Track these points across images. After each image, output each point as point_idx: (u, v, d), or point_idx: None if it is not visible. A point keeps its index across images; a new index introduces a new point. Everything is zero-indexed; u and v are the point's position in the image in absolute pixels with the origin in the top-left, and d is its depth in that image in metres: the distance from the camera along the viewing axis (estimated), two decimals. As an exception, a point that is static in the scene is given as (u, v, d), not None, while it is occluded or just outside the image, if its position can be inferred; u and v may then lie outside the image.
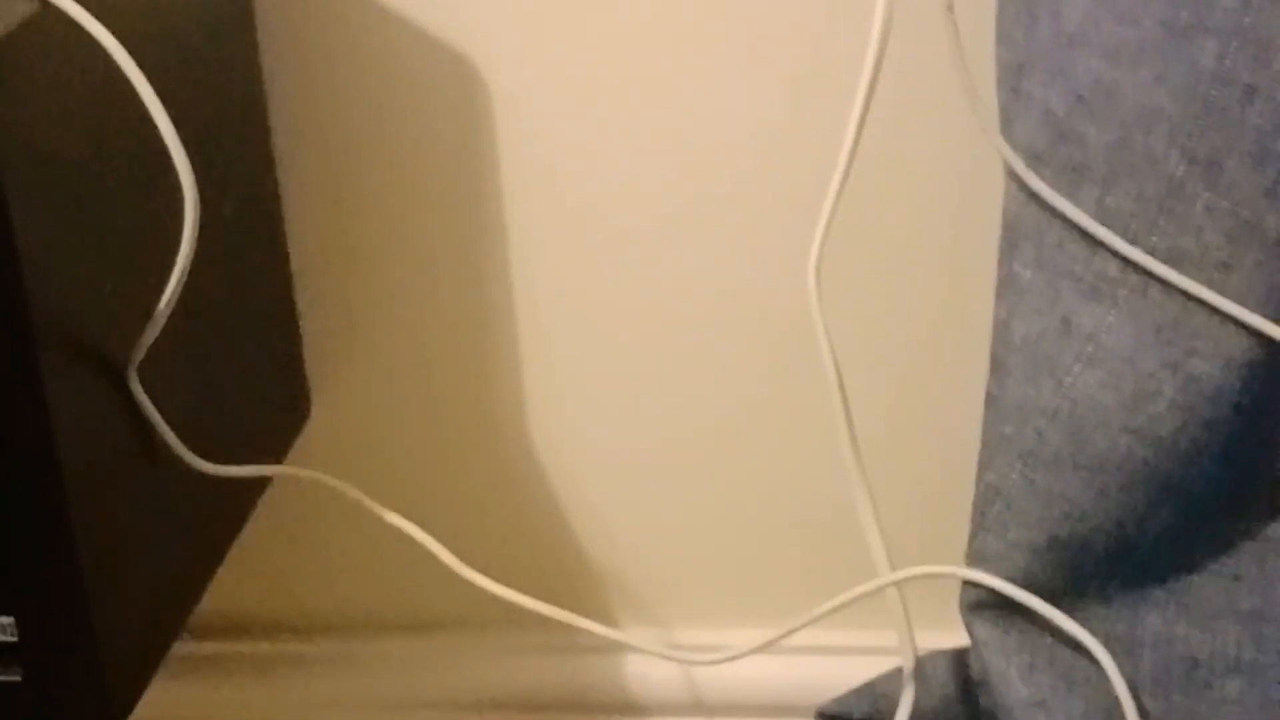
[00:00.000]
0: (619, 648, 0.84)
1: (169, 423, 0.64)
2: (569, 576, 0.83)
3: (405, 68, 0.74)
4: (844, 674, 0.79)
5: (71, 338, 0.58)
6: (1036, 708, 0.65)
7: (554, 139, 0.75)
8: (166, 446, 0.65)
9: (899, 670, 0.74)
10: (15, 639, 0.61)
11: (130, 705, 0.64)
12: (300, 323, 0.80)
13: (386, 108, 0.75)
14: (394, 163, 0.76)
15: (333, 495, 0.74)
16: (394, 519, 0.73)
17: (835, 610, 0.72)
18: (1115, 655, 0.66)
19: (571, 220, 0.77)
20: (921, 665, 0.73)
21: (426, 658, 0.85)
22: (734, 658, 0.76)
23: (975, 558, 0.67)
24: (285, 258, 0.78)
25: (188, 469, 0.66)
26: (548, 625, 0.82)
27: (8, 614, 0.60)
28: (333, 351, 0.80)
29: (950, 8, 0.64)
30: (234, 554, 0.74)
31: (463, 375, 0.80)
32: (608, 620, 0.82)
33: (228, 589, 0.78)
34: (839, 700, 0.78)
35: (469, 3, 0.72)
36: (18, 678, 0.61)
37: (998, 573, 0.66)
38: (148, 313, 0.62)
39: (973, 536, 0.68)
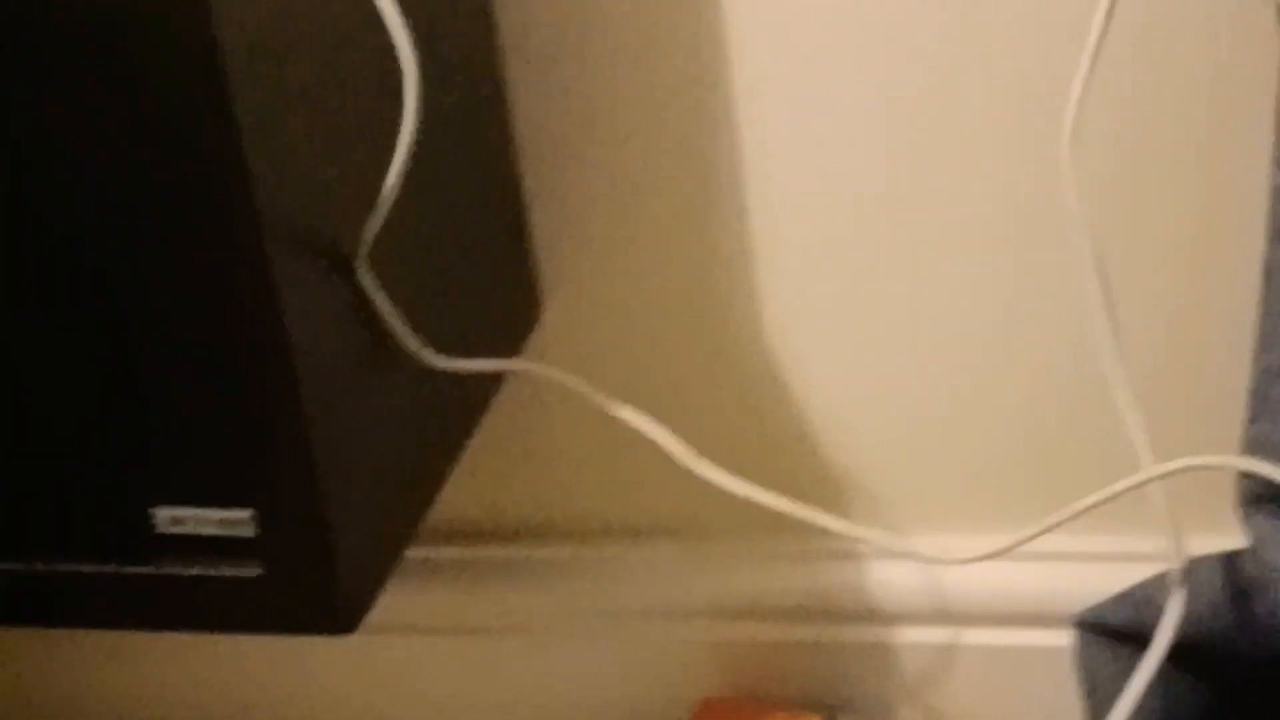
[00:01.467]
0: (859, 553, 0.82)
1: (398, 314, 0.63)
2: (806, 478, 0.81)
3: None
4: (1101, 581, 0.75)
5: (299, 228, 0.58)
6: (1323, 605, 0.60)
7: (792, 27, 0.72)
8: (396, 339, 0.64)
9: (1164, 575, 0.70)
10: (254, 534, 0.61)
11: (365, 605, 0.64)
12: (529, 219, 0.78)
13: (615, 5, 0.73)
14: (623, 56, 0.74)
15: (566, 394, 0.74)
16: (630, 415, 0.72)
17: (1094, 508, 0.68)
18: None
19: (804, 107, 0.74)
20: (1188, 569, 0.69)
21: (659, 564, 0.84)
22: (983, 558, 0.73)
23: (1253, 446, 0.62)
24: (513, 153, 0.77)
25: (419, 363, 0.66)
26: (782, 529, 0.81)
27: (247, 508, 0.61)
28: (563, 249, 0.79)
29: None
30: (467, 456, 0.73)
31: (696, 274, 0.78)
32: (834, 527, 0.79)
33: (460, 492, 0.79)
34: (1097, 608, 0.75)
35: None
36: (257, 572, 0.61)
37: (1279, 463, 0.61)
38: (373, 203, 0.61)
39: (1250, 423, 0.63)
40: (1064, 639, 0.76)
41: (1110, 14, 0.60)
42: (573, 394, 0.73)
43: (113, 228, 0.56)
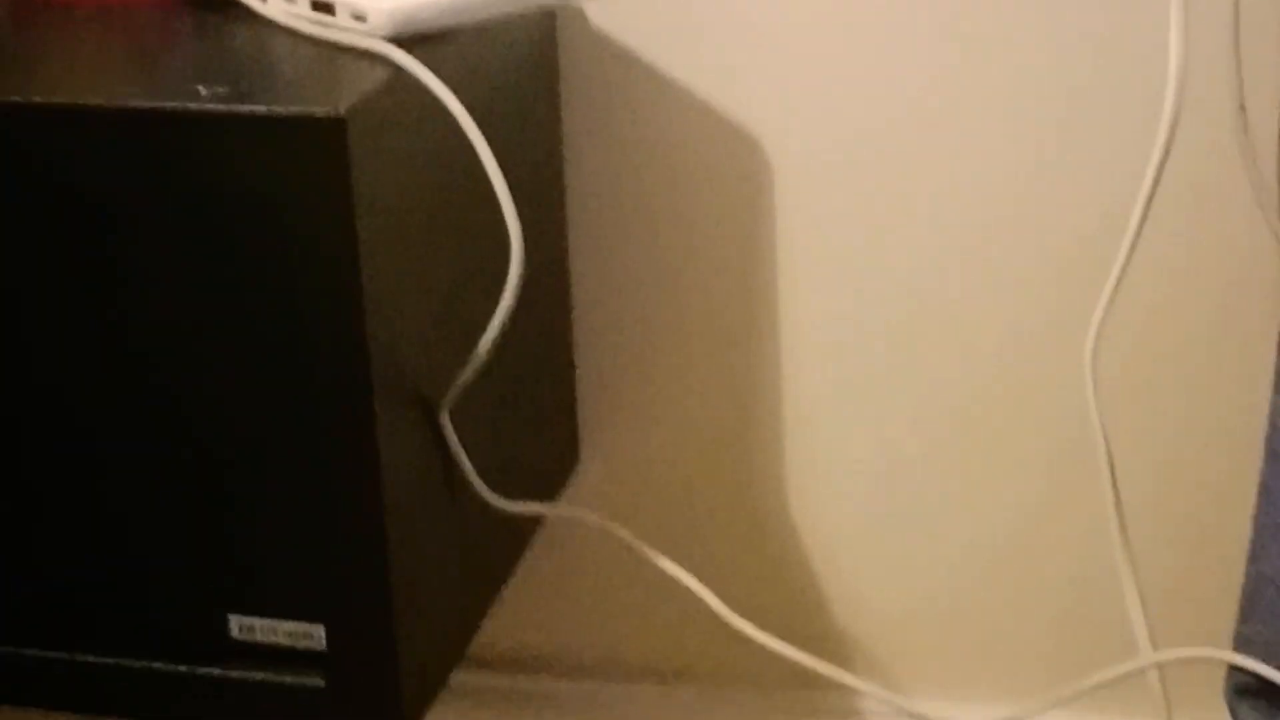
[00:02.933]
0: (863, 712, 0.85)
1: (470, 459, 0.68)
2: (822, 638, 0.85)
3: (689, 139, 0.78)
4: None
5: (400, 379, 0.63)
6: (1301, 797, 0.65)
7: (831, 217, 0.78)
8: (466, 481, 0.69)
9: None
10: (324, 648, 0.65)
11: (418, 718, 0.68)
12: (577, 378, 0.83)
13: (671, 178, 0.79)
14: (674, 230, 0.80)
15: (600, 537, 0.78)
16: (659, 560, 0.76)
17: (1093, 690, 0.72)
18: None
19: (840, 295, 0.79)
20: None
21: (672, 706, 0.88)
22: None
23: (1242, 643, 0.67)
24: (569, 313, 0.83)
25: (481, 502, 0.70)
26: (793, 686, 0.84)
27: (319, 622, 0.65)
28: (604, 402, 0.84)
29: (1242, 106, 0.65)
30: (507, 592, 0.78)
31: (729, 441, 0.83)
32: (852, 685, 0.83)
33: (500, 625, 0.82)
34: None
35: (752, 81, 0.76)
36: (321, 683, 0.65)
37: (1266, 660, 0.66)
38: (460, 359, 0.67)
39: (1241, 623, 0.68)
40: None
41: (1135, 245, 0.66)
42: (604, 537, 0.77)
43: (240, 372, 0.61)
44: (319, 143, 0.57)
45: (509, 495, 0.72)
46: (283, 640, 0.65)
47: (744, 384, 0.82)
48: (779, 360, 0.81)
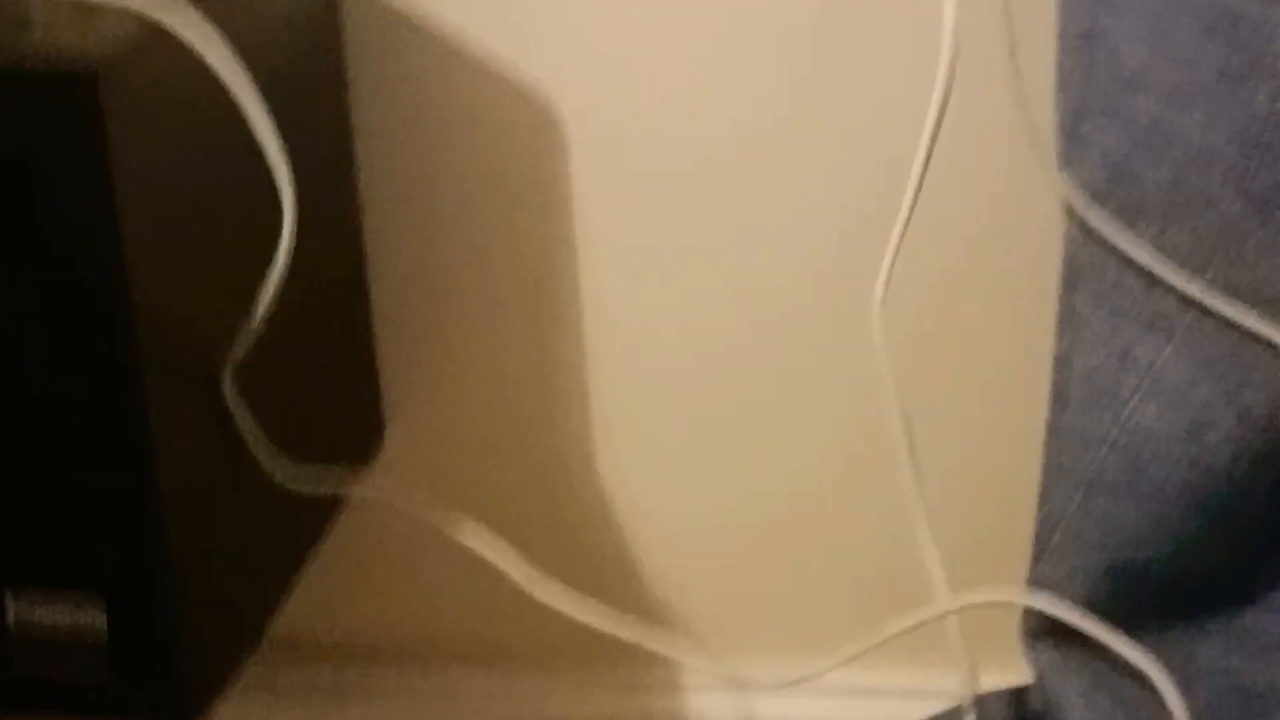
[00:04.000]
0: (675, 684, 0.85)
1: (257, 431, 0.67)
2: (631, 602, 0.85)
3: (482, 104, 0.77)
4: (902, 715, 0.80)
5: (172, 344, 0.61)
6: (1094, 731, 0.66)
7: (624, 176, 0.78)
8: (252, 456, 0.67)
9: (956, 709, 0.75)
10: (104, 629, 0.63)
11: (202, 708, 0.66)
12: (376, 347, 0.82)
13: (464, 143, 0.78)
14: (470, 197, 0.79)
15: (403, 520, 0.77)
16: (464, 537, 0.75)
17: (895, 637, 0.73)
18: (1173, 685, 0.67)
19: (638, 259, 0.79)
20: (979, 702, 0.74)
21: (484, 688, 0.87)
22: (790, 684, 0.78)
23: (1035, 584, 0.68)
24: (365, 284, 0.81)
25: (270, 481, 0.69)
26: (606, 659, 0.84)
27: (99, 607, 0.63)
28: (406, 379, 0.83)
29: (1012, 53, 0.66)
30: (304, 579, 0.76)
31: (532, 407, 0.83)
32: (662, 652, 0.83)
33: (297, 613, 0.80)
34: (895, 739, 0.79)
35: (542, 43, 0.75)
36: (103, 669, 0.63)
37: (1058, 600, 0.67)
38: (241, 324, 0.65)
39: (1033, 564, 0.69)
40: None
41: (917, 196, 0.67)
42: (409, 519, 0.76)
43: (5, 341, 0.59)
44: (71, 101, 0.55)
45: (307, 473, 0.71)
46: (62, 625, 0.63)
47: (547, 354, 0.81)
48: (581, 328, 0.81)
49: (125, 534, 0.61)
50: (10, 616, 0.63)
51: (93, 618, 0.63)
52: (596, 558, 0.85)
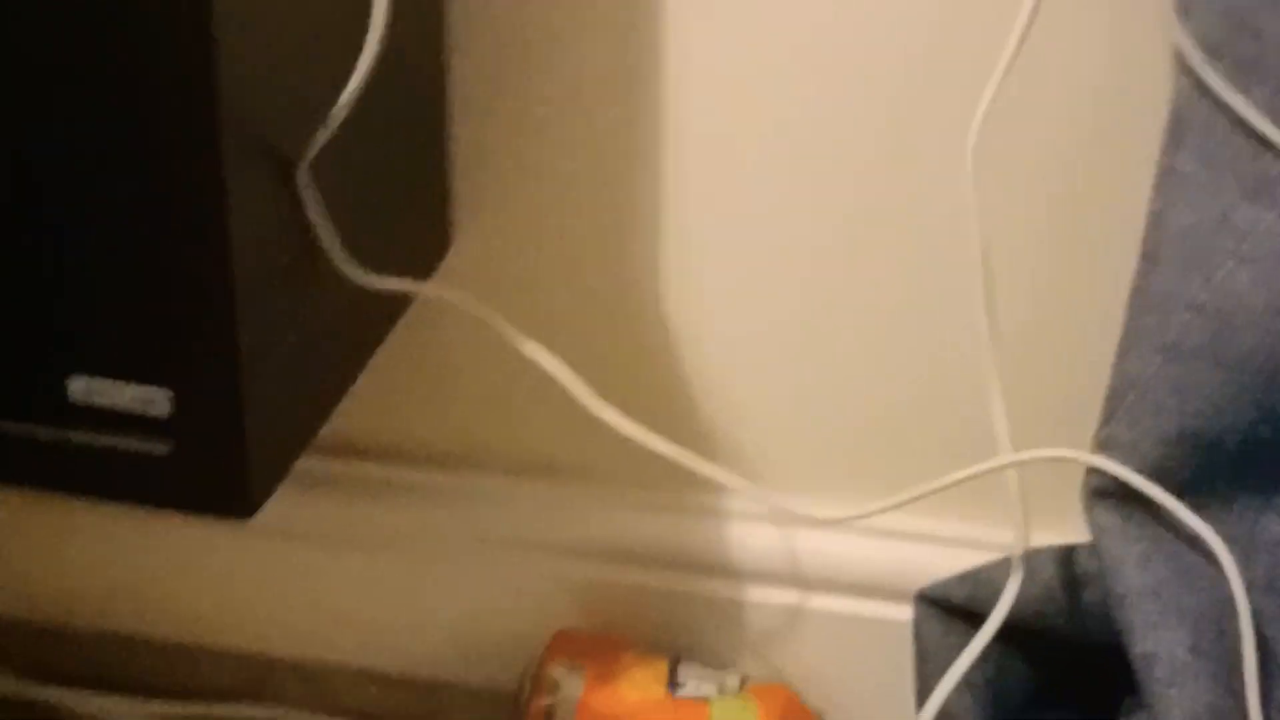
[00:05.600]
0: (722, 510, 0.85)
1: (329, 224, 0.66)
2: (686, 429, 0.84)
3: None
4: (948, 563, 0.79)
5: (252, 126, 0.60)
6: (1150, 596, 0.65)
7: (715, 7, 0.75)
8: (324, 248, 0.66)
9: (1004, 561, 0.75)
10: (168, 414, 0.63)
11: (266, 493, 0.66)
12: (451, 149, 0.80)
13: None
14: (556, 3, 0.77)
15: (469, 324, 0.76)
16: (528, 346, 0.74)
17: (952, 486, 0.73)
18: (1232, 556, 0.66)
19: (723, 87, 0.77)
20: (1028, 557, 0.73)
21: (535, 499, 0.87)
22: (840, 520, 0.77)
23: (1103, 445, 0.68)
24: (443, 83, 0.79)
25: (341, 273, 0.68)
26: (656, 481, 0.84)
27: (164, 387, 0.62)
28: (478, 185, 0.81)
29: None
30: (368, 374, 0.76)
31: (605, 222, 0.81)
32: (716, 477, 0.82)
33: (357, 409, 0.81)
34: (940, 584, 0.79)
35: None
36: (165, 451, 0.63)
37: (1125, 463, 0.67)
38: (321, 115, 0.64)
39: (1102, 424, 0.68)
40: (906, 613, 0.80)
41: (1024, 38, 0.65)
42: (474, 323, 0.75)
43: (74, 101, 0.57)
44: None
45: (375, 269, 0.70)
46: (126, 405, 0.63)
47: (624, 171, 0.80)
48: (659, 149, 0.79)
49: (193, 320, 0.61)
50: (73, 398, 0.63)
51: (157, 405, 0.62)
52: (654, 380, 0.84)
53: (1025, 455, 0.69)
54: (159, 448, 0.63)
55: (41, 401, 0.63)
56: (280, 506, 0.67)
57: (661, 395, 0.84)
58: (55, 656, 0.92)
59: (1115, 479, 0.67)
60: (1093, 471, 0.68)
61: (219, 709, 0.90)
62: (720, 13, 0.76)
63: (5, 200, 0.60)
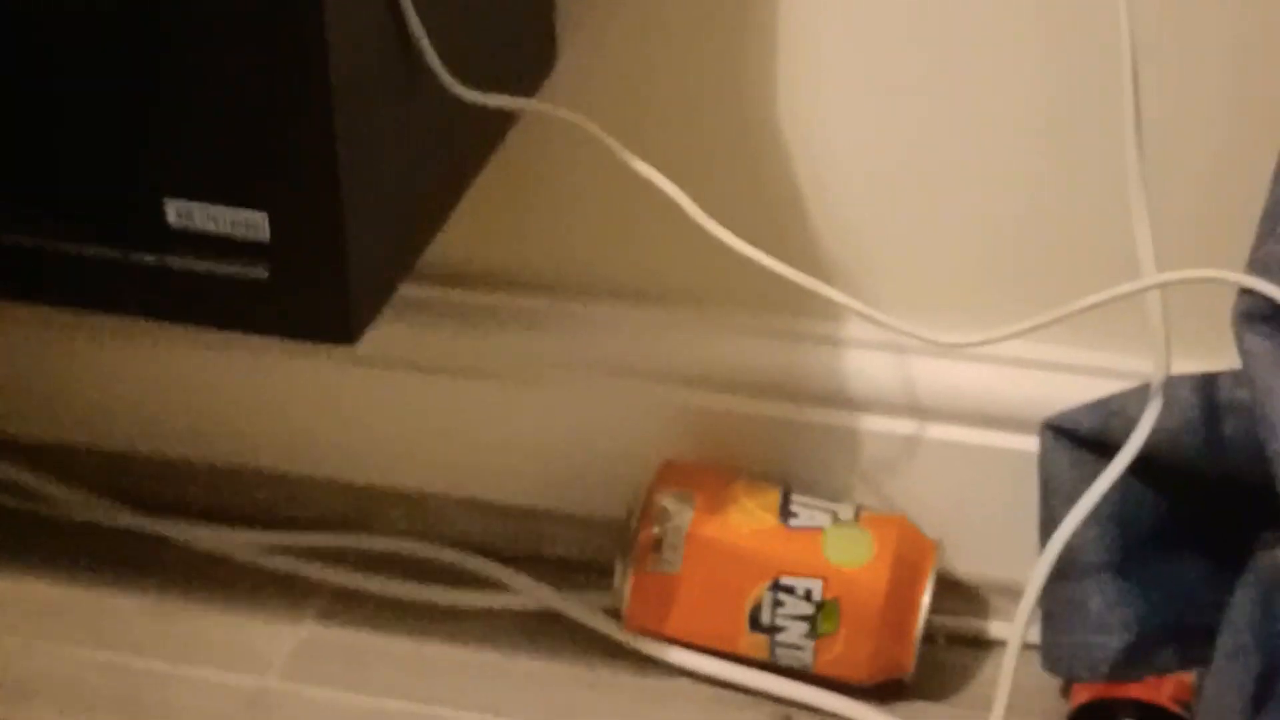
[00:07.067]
0: (837, 337, 0.83)
1: (429, 38, 0.63)
2: (804, 253, 0.81)
3: None
4: (1080, 393, 0.76)
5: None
6: (1304, 426, 0.62)
7: None
8: (426, 63, 0.64)
9: (1140, 389, 0.71)
10: (267, 238, 0.61)
11: (368, 320, 0.64)
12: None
13: None
14: None
15: (576, 143, 0.73)
16: (638, 164, 0.71)
17: (1089, 310, 0.69)
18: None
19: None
20: (1166, 385, 0.70)
21: (643, 324, 0.85)
22: (965, 346, 0.74)
23: (1258, 266, 0.63)
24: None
25: (443, 91, 0.65)
26: (769, 306, 0.82)
27: (262, 210, 0.60)
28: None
29: None
30: (472, 198, 0.73)
31: (717, 39, 0.78)
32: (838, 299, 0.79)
33: (463, 234, 0.78)
34: (1069, 413, 0.76)
35: None
36: (264, 275, 0.61)
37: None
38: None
39: (1258, 244, 0.64)
40: (1030, 444, 0.77)
41: None
42: (581, 142, 0.72)
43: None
44: None
45: (478, 86, 0.67)
46: (224, 229, 0.62)
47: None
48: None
49: (291, 139, 0.59)
50: (171, 223, 0.61)
51: (256, 229, 0.60)
52: (769, 199, 0.81)
53: (1172, 275, 0.66)
54: (258, 273, 0.61)
55: (139, 226, 0.62)
56: (383, 334, 0.65)
57: (777, 215, 0.81)
58: (165, 488, 0.92)
59: (1270, 301, 0.63)
60: (1245, 293, 0.64)
61: (325, 538, 0.90)
62: None
63: (106, 17, 0.58)
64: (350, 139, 0.59)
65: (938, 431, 0.83)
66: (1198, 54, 0.72)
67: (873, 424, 0.84)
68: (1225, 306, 0.64)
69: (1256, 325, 0.63)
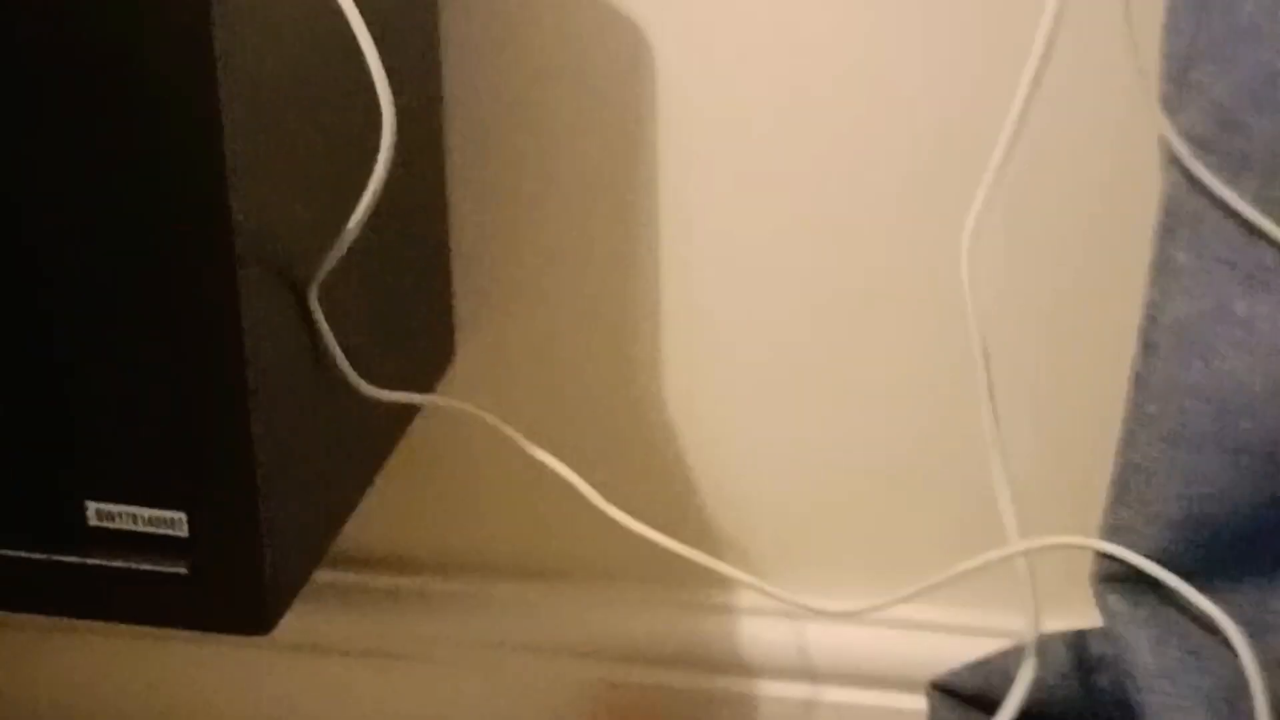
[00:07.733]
0: (733, 607, 0.85)
1: (339, 343, 0.67)
2: (695, 529, 0.85)
3: (569, 26, 0.76)
4: (959, 651, 0.80)
5: (266, 255, 0.61)
6: (1164, 679, 0.66)
7: (712, 105, 0.77)
8: (336, 366, 0.67)
9: (1016, 648, 0.75)
10: (186, 534, 0.63)
11: (280, 612, 0.66)
12: (453, 263, 0.82)
13: (550, 62, 0.77)
14: (552, 112, 0.78)
15: (476, 432, 0.77)
16: (536, 452, 0.75)
17: (961, 578, 0.73)
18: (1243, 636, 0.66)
19: (721, 185, 0.78)
20: (1040, 644, 0.74)
21: (551, 603, 0.87)
22: (852, 614, 0.78)
23: (1110, 531, 0.68)
24: (444, 198, 0.81)
25: (351, 389, 0.69)
26: (665, 580, 0.85)
27: (181, 510, 0.63)
28: (481, 292, 0.82)
29: (1125, -5, 0.65)
30: (378, 486, 0.76)
31: (604, 328, 0.82)
32: (728, 575, 0.83)
33: (369, 521, 0.81)
34: (953, 673, 0.79)
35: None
36: (184, 571, 0.64)
37: (1132, 548, 0.67)
38: (331, 237, 0.65)
39: (1109, 510, 0.69)
40: (920, 703, 0.80)
41: (1015, 135, 0.66)
42: (480, 431, 0.76)
43: (90, 230, 0.58)
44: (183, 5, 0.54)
45: (382, 383, 0.71)
46: (143, 527, 0.64)
47: (624, 275, 0.81)
48: (659, 249, 0.80)
49: (210, 442, 0.61)
50: (91, 521, 0.63)
51: (175, 527, 0.63)
52: (663, 480, 0.85)
53: (1034, 543, 0.70)
54: (177, 568, 0.63)
55: (60, 528, 0.64)
56: (295, 620, 0.67)
57: (671, 495, 0.85)
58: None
59: (1124, 564, 0.67)
60: (1102, 557, 0.69)
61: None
62: (711, 122, 0.77)
63: (22, 328, 0.61)
64: (266, 441, 0.62)
65: (833, 694, 0.86)
66: (1045, 334, 0.78)
67: (771, 689, 0.86)
68: (1089, 563, 0.69)
69: (1115, 586, 0.68)
